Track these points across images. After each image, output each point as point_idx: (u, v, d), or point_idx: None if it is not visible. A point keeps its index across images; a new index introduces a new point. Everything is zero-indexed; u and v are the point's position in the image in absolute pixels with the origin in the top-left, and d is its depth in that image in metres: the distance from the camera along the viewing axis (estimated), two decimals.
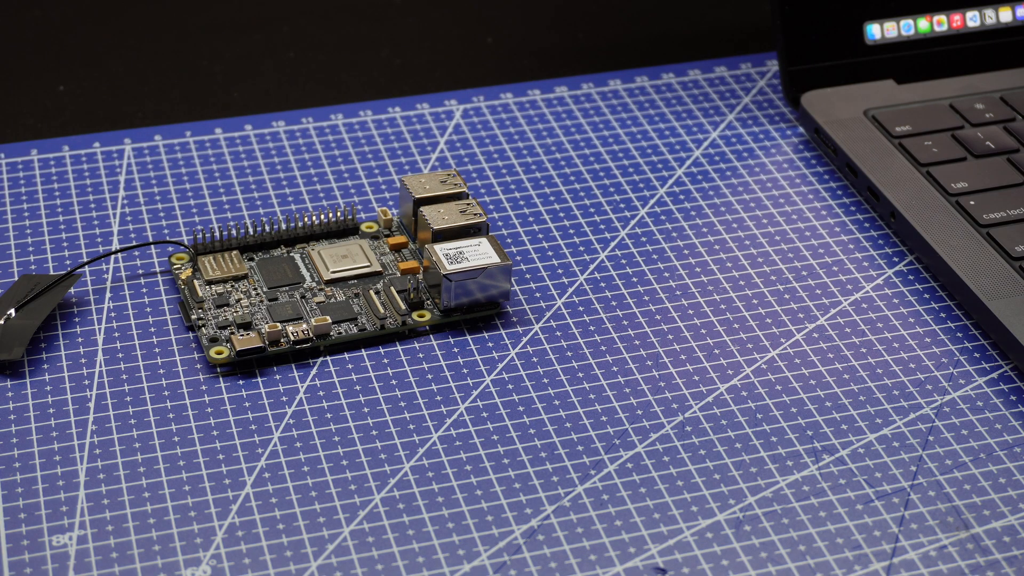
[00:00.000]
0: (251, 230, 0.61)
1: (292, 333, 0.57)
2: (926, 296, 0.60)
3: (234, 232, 0.61)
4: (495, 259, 0.58)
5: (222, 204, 0.65)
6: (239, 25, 0.79)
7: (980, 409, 0.55)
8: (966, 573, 0.49)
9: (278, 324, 0.57)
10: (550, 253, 0.62)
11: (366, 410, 0.55)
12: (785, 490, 0.52)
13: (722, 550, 0.50)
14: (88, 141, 0.69)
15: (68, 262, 0.61)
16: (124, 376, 0.56)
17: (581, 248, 0.63)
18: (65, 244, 0.62)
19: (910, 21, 0.70)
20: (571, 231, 0.64)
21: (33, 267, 0.61)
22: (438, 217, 0.60)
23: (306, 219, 0.62)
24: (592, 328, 0.58)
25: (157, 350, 0.57)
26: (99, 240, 0.63)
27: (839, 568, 0.49)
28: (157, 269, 0.61)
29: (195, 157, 0.68)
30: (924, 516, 0.51)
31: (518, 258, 0.62)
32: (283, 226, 0.62)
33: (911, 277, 0.61)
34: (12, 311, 0.57)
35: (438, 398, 0.55)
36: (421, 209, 0.61)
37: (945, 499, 0.51)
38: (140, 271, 0.61)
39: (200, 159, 0.68)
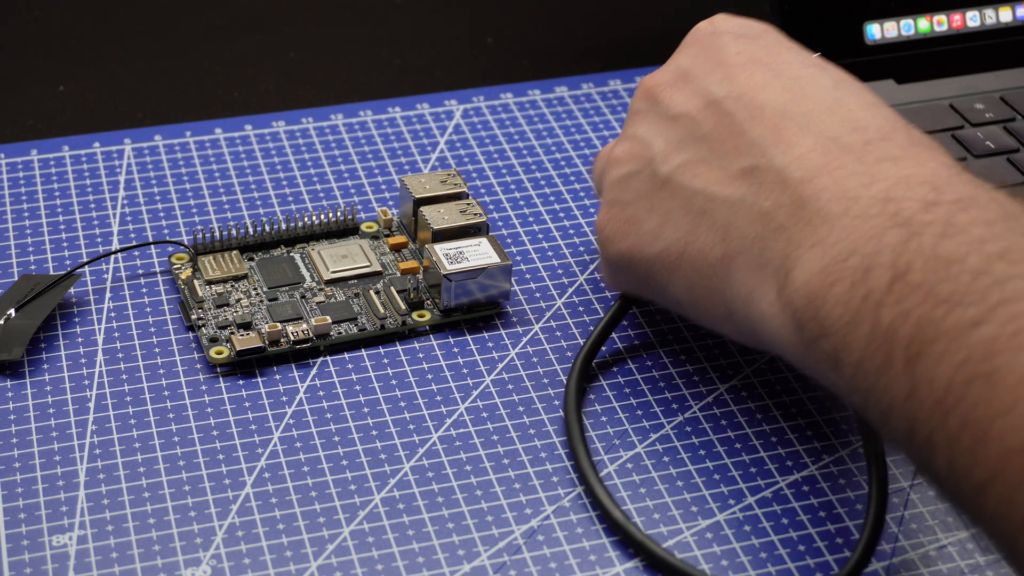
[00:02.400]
0: (251, 230, 0.61)
1: (292, 333, 0.57)
2: None
3: (234, 232, 0.61)
4: (495, 259, 0.58)
5: (222, 204, 0.65)
6: (239, 25, 0.79)
7: None
8: (966, 573, 0.49)
9: (278, 324, 0.57)
10: (550, 253, 0.62)
11: (366, 410, 0.55)
12: (785, 490, 0.52)
13: (722, 550, 0.50)
14: (88, 141, 0.69)
15: (68, 262, 0.61)
16: (124, 376, 0.56)
17: (581, 248, 0.63)
18: (65, 244, 0.62)
19: (910, 21, 0.70)
20: (571, 231, 0.64)
21: (33, 267, 0.61)
22: (438, 217, 0.60)
23: (306, 219, 0.62)
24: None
25: (157, 350, 0.57)
26: (99, 240, 0.63)
27: (839, 568, 0.49)
28: (157, 269, 0.61)
29: (195, 157, 0.68)
30: (924, 516, 0.51)
31: (518, 258, 0.62)
32: (283, 226, 0.62)
33: None
34: (12, 311, 0.57)
35: (438, 398, 0.55)
36: (421, 209, 0.61)
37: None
38: (140, 271, 0.61)
39: (200, 159, 0.68)
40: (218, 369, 0.56)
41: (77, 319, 0.58)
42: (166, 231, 0.63)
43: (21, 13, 0.80)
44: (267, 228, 0.61)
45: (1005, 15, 0.71)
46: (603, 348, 0.58)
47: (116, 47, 0.77)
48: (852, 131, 0.48)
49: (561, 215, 0.65)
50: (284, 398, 0.55)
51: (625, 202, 0.54)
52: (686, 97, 0.53)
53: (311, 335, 0.57)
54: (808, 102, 0.50)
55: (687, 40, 0.56)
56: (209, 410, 0.55)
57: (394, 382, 0.56)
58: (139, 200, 0.65)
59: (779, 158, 0.49)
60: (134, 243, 0.62)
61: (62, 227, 0.63)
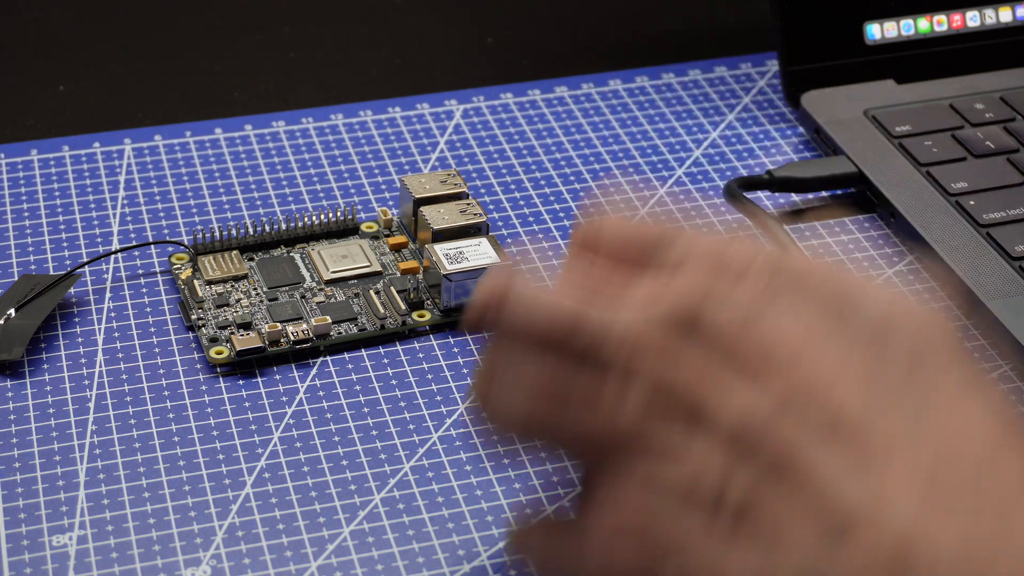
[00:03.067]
0: (251, 230, 0.61)
1: (292, 333, 0.57)
2: (926, 296, 0.60)
3: (234, 232, 0.61)
4: (495, 259, 0.58)
5: (222, 204, 0.65)
6: (239, 25, 0.79)
7: None
8: None
9: (278, 324, 0.57)
10: (550, 253, 0.62)
11: (366, 410, 0.55)
12: None
13: None
14: (88, 141, 0.69)
15: (68, 262, 0.61)
16: (124, 376, 0.56)
17: None
18: (65, 244, 0.62)
19: (910, 21, 0.70)
20: (571, 231, 0.64)
21: (33, 267, 0.61)
22: (438, 217, 0.60)
23: (306, 219, 0.62)
24: None
25: (157, 350, 0.57)
26: (99, 240, 0.63)
27: None
28: (157, 269, 0.61)
29: (195, 157, 0.68)
30: None
31: (518, 258, 0.62)
32: (283, 226, 0.62)
33: (911, 277, 0.61)
34: (12, 311, 0.57)
35: (438, 398, 0.55)
36: (421, 209, 0.61)
37: None
38: (140, 271, 0.61)
39: (200, 159, 0.68)
40: (218, 369, 0.56)
41: (77, 319, 0.58)
42: (166, 231, 0.63)
43: (21, 13, 0.80)
44: (267, 228, 0.61)
45: (1005, 15, 0.71)
46: None
47: (116, 47, 0.77)
48: (955, 460, 0.35)
49: (561, 215, 0.65)
50: (284, 398, 0.55)
51: (677, 541, 0.38)
52: (741, 396, 0.38)
53: (311, 335, 0.57)
54: (889, 410, 0.36)
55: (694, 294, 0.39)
56: (209, 410, 0.55)
57: (394, 382, 0.56)
58: (139, 200, 0.65)
59: (867, 501, 0.35)
60: (134, 243, 0.62)
61: (62, 227, 0.63)
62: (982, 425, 0.36)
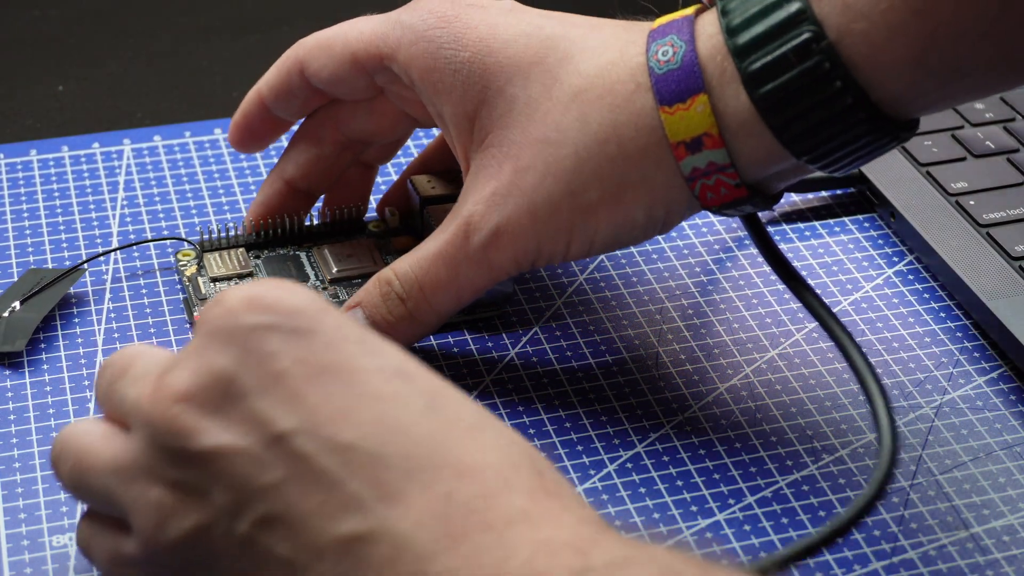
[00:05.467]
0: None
1: None
2: (926, 296, 0.60)
3: (240, 230, 0.61)
4: None
5: (222, 205, 0.65)
6: (239, 25, 0.79)
7: (980, 409, 0.55)
8: (966, 573, 0.49)
9: None
10: None
11: None
12: (785, 490, 0.52)
13: (722, 550, 0.50)
14: (88, 141, 0.69)
15: (68, 263, 0.61)
16: None
17: None
18: (65, 245, 0.62)
19: None
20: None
21: (32, 268, 0.61)
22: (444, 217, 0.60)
23: (312, 218, 0.62)
24: (592, 328, 0.58)
25: None
26: (99, 241, 0.63)
27: (839, 568, 0.49)
28: (157, 269, 0.61)
29: (195, 157, 0.68)
30: (924, 516, 0.51)
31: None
32: (289, 225, 0.61)
33: (911, 277, 0.61)
34: (17, 304, 0.57)
35: None
36: (427, 209, 0.61)
37: (945, 499, 0.51)
38: (140, 271, 0.61)
39: (200, 159, 0.68)
40: None
41: (77, 319, 0.58)
42: (165, 232, 0.63)
43: (21, 13, 0.80)
44: (273, 226, 0.61)
45: None
46: (603, 347, 0.58)
47: (116, 47, 0.77)
48: (465, 479, 0.39)
49: None
50: None
51: (193, 563, 0.41)
52: (236, 426, 0.40)
53: None
54: (402, 438, 0.39)
55: (208, 327, 0.41)
56: None
57: None
58: (139, 200, 0.65)
59: (388, 521, 0.38)
60: (138, 240, 0.62)
61: (61, 228, 0.63)
62: (488, 452, 0.40)
